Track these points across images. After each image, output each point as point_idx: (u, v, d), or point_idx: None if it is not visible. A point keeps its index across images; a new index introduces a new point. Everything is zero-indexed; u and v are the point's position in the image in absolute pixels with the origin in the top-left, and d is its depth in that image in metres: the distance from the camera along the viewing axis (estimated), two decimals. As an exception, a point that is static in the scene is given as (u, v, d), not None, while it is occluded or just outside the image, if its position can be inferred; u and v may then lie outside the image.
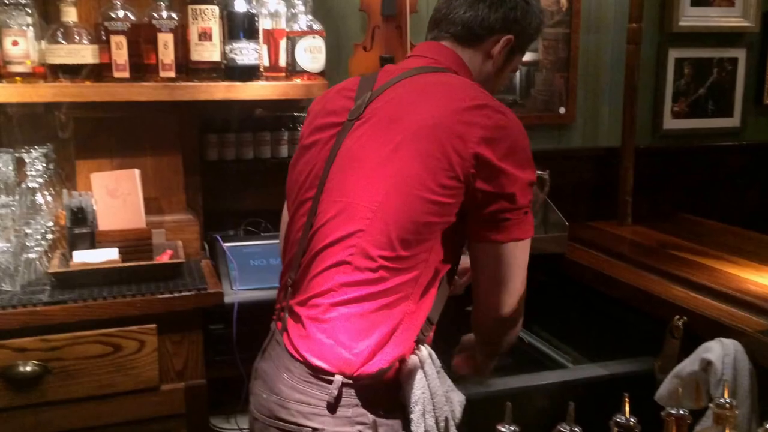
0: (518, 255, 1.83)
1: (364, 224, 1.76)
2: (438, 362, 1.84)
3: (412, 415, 1.76)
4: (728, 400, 1.26)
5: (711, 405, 1.28)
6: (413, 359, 1.79)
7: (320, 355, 1.76)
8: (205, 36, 2.65)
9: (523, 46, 2.06)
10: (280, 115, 3.20)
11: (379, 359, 1.75)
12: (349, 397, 1.75)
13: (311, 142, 1.97)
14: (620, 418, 1.18)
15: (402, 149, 1.76)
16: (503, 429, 1.15)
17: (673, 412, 1.22)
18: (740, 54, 4.03)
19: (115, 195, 2.63)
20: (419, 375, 1.77)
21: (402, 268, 1.75)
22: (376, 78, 1.98)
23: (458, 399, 1.89)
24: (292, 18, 2.85)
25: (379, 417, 1.77)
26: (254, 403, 1.91)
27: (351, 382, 1.74)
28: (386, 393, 1.79)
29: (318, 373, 1.76)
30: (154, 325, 2.46)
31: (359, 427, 1.74)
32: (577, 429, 1.17)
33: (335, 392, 1.73)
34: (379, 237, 1.74)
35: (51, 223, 2.60)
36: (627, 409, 1.18)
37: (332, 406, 1.74)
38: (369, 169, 1.80)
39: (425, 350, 1.82)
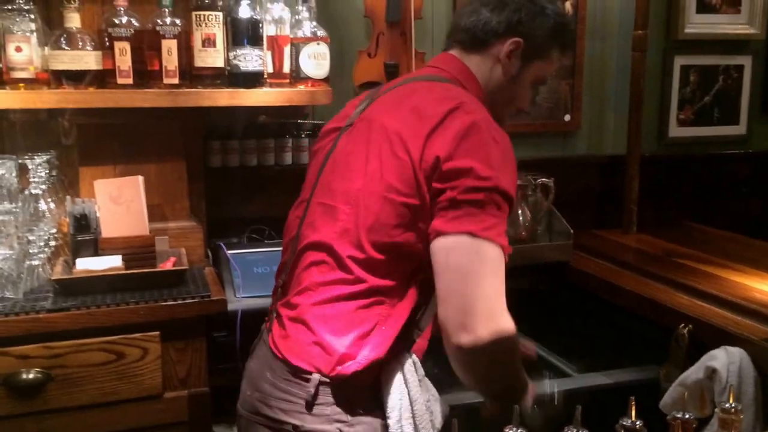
0: (474, 258, 1.65)
1: (340, 226, 1.80)
2: (421, 370, 1.84)
3: (389, 420, 1.77)
4: (734, 405, 1.25)
5: (717, 410, 1.27)
6: (394, 364, 1.80)
7: (298, 354, 1.80)
8: (208, 42, 2.65)
9: (539, 51, 1.99)
10: (284, 122, 3.20)
11: (355, 361, 1.77)
12: (327, 395, 1.78)
13: (318, 147, 2.05)
14: (626, 422, 1.17)
15: (374, 154, 1.80)
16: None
17: (678, 416, 1.21)
18: (746, 61, 4.02)
19: (119, 202, 2.63)
20: (398, 381, 1.78)
21: (376, 270, 1.77)
22: (383, 87, 2.03)
23: (440, 409, 1.88)
24: (296, 24, 2.85)
25: (359, 416, 1.79)
26: (240, 399, 1.96)
27: (328, 380, 1.77)
28: (365, 393, 1.80)
29: (297, 372, 1.80)
30: (157, 333, 2.45)
31: (338, 425, 1.77)
32: (584, 432, 1.16)
33: (312, 390, 1.76)
34: (353, 239, 1.78)
35: (54, 230, 2.60)
36: (633, 412, 1.17)
37: (310, 404, 1.78)
38: (348, 173, 1.84)
39: (409, 357, 1.82)
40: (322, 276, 1.81)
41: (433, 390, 1.88)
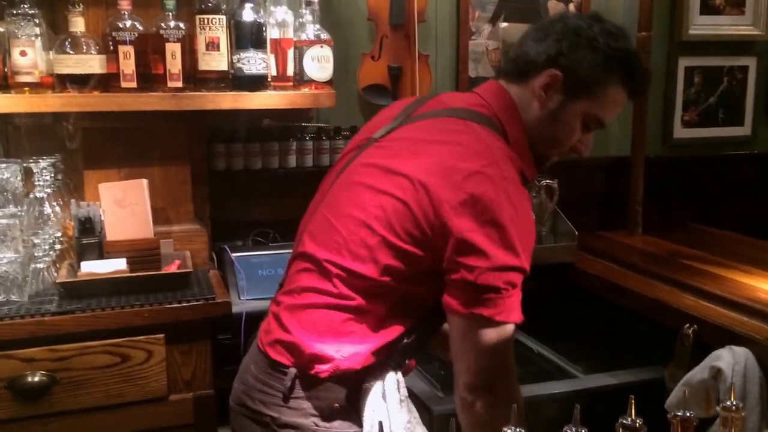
0: (484, 337, 1.68)
1: (335, 248, 1.79)
2: (405, 391, 1.81)
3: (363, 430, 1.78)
4: (735, 403, 1.25)
5: (718, 408, 1.27)
6: (374, 377, 1.79)
7: (278, 348, 1.82)
8: (212, 46, 2.66)
9: (586, 87, 1.84)
10: (288, 125, 3.21)
11: (329, 367, 1.77)
12: (304, 389, 1.79)
13: (343, 154, 2.04)
14: (626, 420, 1.16)
15: (385, 192, 1.76)
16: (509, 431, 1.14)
17: (679, 414, 1.21)
18: (751, 62, 4.02)
19: (123, 205, 2.63)
20: (376, 396, 1.77)
21: (361, 292, 1.77)
22: (424, 103, 1.97)
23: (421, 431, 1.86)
24: (299, 27, 2.86)
25: (336, 412, 1.80)
26: (231, 392, 1.98)
27: (305, 376, 1.79)
28: (344, 392, 1.80)
29: (275, 365, 1.82)
30: (161, 335, 2.46)
31: (314, 419, 1.79)
32: (583, 431, 1.15)
33: (289, 383, 1.79)
34: (343, 262, 1.77)
35: (59, 234, 2.61)
36: (633, 411, 1.17)
37: (287, 397, 1.80)
38: (356, 195, 1.82)
39: (392, 375, 1.80)
40: (309, 282, 1.82)
41: (416, 413, 1.85)
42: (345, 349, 1.76)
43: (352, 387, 1.80)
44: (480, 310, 1.66)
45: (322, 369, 1.77)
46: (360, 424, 1.78)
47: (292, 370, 1.78)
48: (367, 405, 1.76)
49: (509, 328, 1.69)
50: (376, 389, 1.77)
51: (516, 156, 1.81)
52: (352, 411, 1.80)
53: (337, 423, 1.79)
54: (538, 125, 1.88)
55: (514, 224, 1.66)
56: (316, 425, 1.79)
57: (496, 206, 1.65)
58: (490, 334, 1.67)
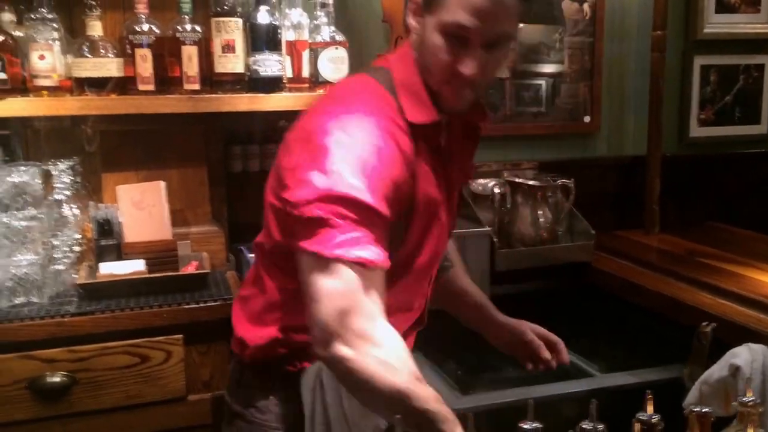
0: (316, 278, 1.51)
1: (263, 232, 1.84)
2: None
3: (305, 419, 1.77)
4: (752, 398, 1.25)
5: (734, 403, 1.27)
6: (312, 365, 1.76)
7: (232, 339, 1.92)
8: (228, 48, 2.67)
9: (431, 1, 1.66)
10: (304, 127, 3.21)
11: (251, 350, 1.82)
12: (247, 378, 1.86)
13: None
14: (643, 416, 1.17)
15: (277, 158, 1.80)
16: (526, 426, 1.15)
17: (696, 409, 1.21)
18: (767, 60, 4.00)
19: (141, 207, 2.65)
20: (310, 383, 1.75)
21: (271, 270, 1.80)
22: None
23: (373, 424, 1.72)
24: (314, 29, 2.86)
25: (272, 405, 1.82)
26: None
27: (244, 363, 1.86)
28: (281, 383, 1.81)
29: (232, 355, 1.93)
30: (180, 336, 2.47)
31: (252, 410, 1.83)
32: (600, 426, 1.16)
33: (235, 372, 1.89)
34: (259, 239, 1.84)
35: (78, 236, 2.62)
36: (650, 407, 1.17)
37: (236, 385, 1.89)
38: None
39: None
40: (250, 272, 1.92)
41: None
42: (263, 334, 1.80)
43: (286, 369, 1.80)
44: (306, 244, 1.52)
45: (246, 354, 1.82)
46: (301, 411, 1.76)
47: (236, 358, 1.87)
48: (304, 393, 1.75)
49: (346, 269, 1.49)
50: (312, 379, 1.75)
51: (401, 96, 1.70)
52: (294, 401, 1.77)
53: (271, 416, 1.81)
54: (420, 58, 1.72)
55: (347, 152, 1.54)
56: (253, 416, 1.83)
57: (325, 134, 1.57)
58: (324, 274, 1.50)
